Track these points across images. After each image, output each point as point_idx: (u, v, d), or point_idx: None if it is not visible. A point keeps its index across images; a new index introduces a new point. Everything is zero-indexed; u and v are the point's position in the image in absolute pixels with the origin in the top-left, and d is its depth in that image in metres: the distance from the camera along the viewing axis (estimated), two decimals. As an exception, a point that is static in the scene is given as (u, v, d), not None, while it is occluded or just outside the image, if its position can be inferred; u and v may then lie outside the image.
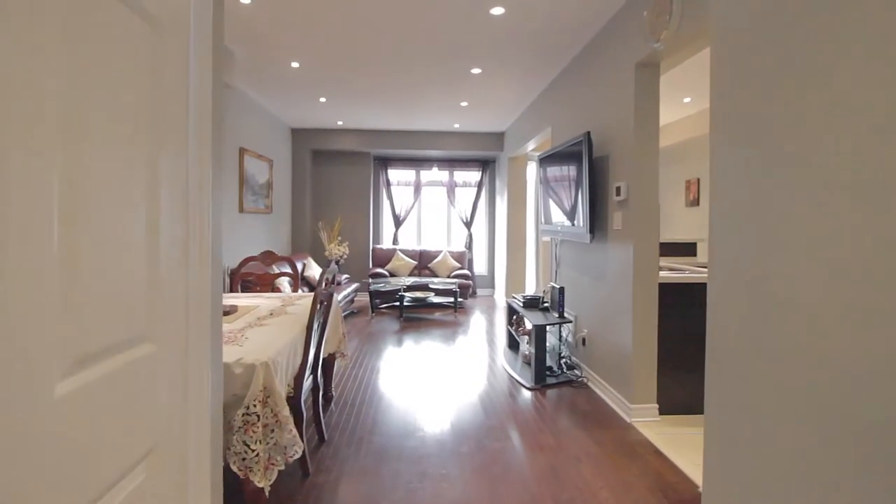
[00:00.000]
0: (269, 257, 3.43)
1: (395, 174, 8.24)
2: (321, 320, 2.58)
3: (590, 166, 3.36)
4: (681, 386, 3.05)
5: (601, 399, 3.37)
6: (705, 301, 1.09)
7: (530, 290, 7.12)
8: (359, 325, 5.84)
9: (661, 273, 3.15)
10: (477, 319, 6.26)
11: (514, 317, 4.55)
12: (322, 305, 2.55)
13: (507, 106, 5.78)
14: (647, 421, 2.96)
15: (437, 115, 6.29)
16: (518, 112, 6.12)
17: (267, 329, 2.21)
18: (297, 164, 7.39)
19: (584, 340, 3.79)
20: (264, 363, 1.73)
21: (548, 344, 4.03)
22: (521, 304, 4.26)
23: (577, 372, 3.82)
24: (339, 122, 6.85)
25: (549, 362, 3.89)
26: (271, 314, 2.54)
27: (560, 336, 4.17)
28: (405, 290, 6.34)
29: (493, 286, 8.37)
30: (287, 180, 7.15)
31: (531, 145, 5.84)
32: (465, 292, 7.10)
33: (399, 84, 4.89)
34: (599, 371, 3.52)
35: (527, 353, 4.06)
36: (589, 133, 3.36)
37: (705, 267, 3.86)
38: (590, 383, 3.64)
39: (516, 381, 3.74)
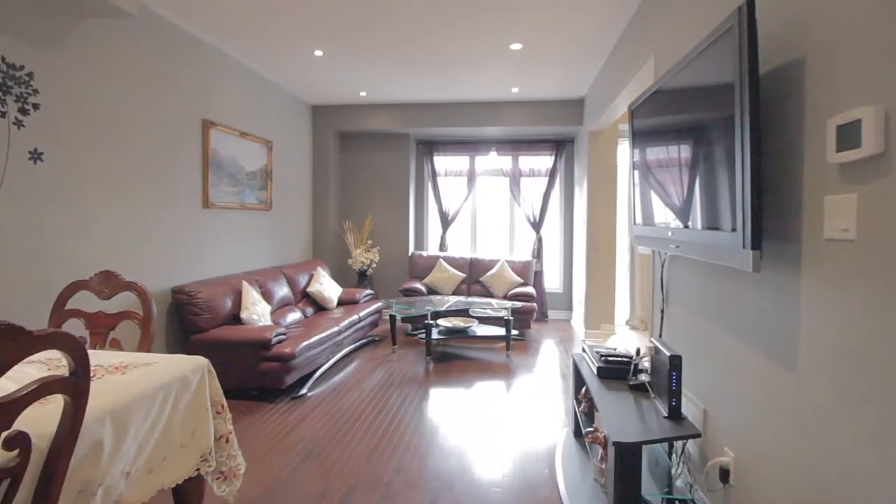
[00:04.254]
0: (107, 281, 1.89)
1: (442, 162, 6.51)
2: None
3: (751, 88, 1.38)
4: None
5: None
6: None
7: (622, 320, 5.01)
8: (372, 363, 4.21)
9: None
10: (540, 363, 4.34)
11: (583, 390, 2.60)
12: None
13: (582, 47, 3.81)
14: None
15: (483, 74, 4.47)
16: (601, 60, 4.12)
17: None
18: (319, 149, 5.96)
19: (725, 473, 1.78)
20: None
21: (643, 451, 2.07)
22: (596, 370, 2.33)
23: (707, 534, 1.82)
24: (363, 93, 5.29)
25: (646, 486, 1.93)
26: None
27: (672, 447, 2.18)
28: (434, 317, 4.58)
29: (570, 307, 6.33)
30: (305, 169, 5.75)
31: (623, 102, 3.81)
32: (527, 318, 5.18)
33: (402, 14, 3.17)
34: (768, 562, 1.51)
35: (601, 474, 2.13)
36: (751, 5, 1.39)
37: None
38: (740, 575, 1.65)
39: (575, 543, 1.84)
